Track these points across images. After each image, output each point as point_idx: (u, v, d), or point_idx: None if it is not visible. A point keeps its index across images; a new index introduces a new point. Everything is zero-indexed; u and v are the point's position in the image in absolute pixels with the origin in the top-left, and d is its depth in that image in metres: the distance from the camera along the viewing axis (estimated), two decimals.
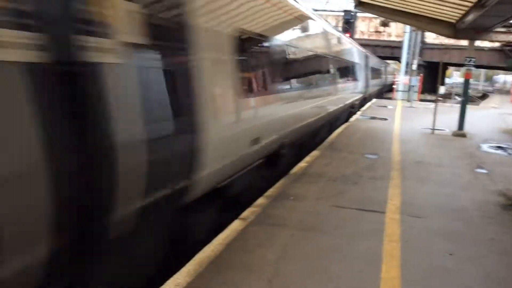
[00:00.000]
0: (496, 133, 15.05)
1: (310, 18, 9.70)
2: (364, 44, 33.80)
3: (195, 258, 4.15)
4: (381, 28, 44.44)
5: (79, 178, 2.62)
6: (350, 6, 28.18)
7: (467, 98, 14.65)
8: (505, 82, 74.25)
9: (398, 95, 31.23)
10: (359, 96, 19.74)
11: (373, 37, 45.46)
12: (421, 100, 30.76)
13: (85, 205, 2.71)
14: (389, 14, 14.74)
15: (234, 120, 4.98)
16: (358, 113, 19.25)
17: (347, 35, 23.14)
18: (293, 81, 7.87)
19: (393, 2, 13.16)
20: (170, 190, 3.71)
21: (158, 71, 3.50)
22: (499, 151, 11.32)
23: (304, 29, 9.23)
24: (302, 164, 8.42)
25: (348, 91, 15.45)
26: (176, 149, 3.70)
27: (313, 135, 10.87)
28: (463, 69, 14.69)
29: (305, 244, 4.65)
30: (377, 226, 5.28)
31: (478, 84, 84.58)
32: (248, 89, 5.42)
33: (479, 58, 35.18)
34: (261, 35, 6.20)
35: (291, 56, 7.83)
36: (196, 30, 4.01)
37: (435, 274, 4.12)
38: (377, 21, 43.52)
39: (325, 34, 11.61)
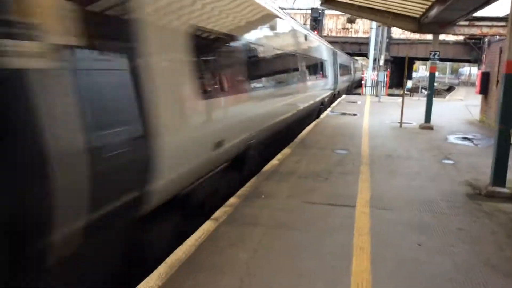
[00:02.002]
0: (462, 124, 15.41)
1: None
2: (332, 41, 34.07)
3: (166, 261, 4.11)
4: (348, 25, 44.91)
5: None
6: (317, 3, 28.74)
7: (433, 91, 14.96)
8: (470, 74, 75.97)
9: (367, 90, 31.68)
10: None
11: (341, 34, 45.88)
12: (389, 95, 31.26)
13: None
14: (355, 11, 14.91)
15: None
16: (328, 109, 19.43)
17: (315, 32, 23.41)
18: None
19: None
20: None
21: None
22: (465, 142, 11.58)
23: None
24: (273, 162, 8.44)
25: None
26: None
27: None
28: (428, 63, 14.98)
29: (277, 242, 4.65)
30: (348, 221, 5.33)
31: (444, 77, 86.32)
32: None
33: (445, 51, 35.92)
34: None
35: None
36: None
37: (405, 265, 4.18)
38: (344, 18, 43.97)
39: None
